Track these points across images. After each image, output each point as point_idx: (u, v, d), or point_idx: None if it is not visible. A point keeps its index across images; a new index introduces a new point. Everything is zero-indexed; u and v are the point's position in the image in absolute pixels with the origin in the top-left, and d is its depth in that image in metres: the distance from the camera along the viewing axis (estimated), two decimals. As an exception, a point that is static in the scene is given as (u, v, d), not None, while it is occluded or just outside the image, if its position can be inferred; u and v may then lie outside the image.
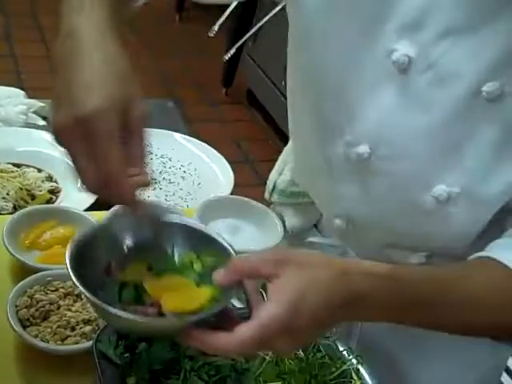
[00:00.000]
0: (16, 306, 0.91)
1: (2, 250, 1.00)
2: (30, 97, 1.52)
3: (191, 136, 1.53)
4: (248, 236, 1.15)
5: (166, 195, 1.37)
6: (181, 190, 1.40)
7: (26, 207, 1.24)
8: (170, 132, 1.51)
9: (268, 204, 1.17)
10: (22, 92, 1.52)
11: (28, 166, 1.34)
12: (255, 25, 3.09)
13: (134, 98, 0.69)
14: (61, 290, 0.94)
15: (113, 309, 0.66)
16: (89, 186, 0.68)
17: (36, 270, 0.97)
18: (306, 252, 0.76)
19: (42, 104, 1.50)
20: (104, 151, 0.66)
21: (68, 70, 0.69)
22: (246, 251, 1.08)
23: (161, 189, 1.39)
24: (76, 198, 1.27)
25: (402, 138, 0.83)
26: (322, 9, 0.82)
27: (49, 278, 0.95)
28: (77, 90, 0.67)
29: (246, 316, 0.67)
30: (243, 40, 3.13)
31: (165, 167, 1.45)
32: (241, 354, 0.73)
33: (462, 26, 0.76)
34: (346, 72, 0.83)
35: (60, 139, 0.69)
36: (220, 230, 1.14)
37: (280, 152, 1.20)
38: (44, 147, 1.38)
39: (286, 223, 1.12)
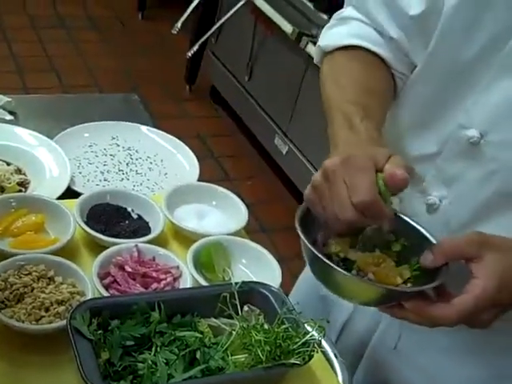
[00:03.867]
0: (-10, 290, 0.94)
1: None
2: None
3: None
4: (214, 220, 1.19)
5: (134, 185, 1.41)
6: (148, 180, 1.43)
7: (-5, 199, 1.28)
8: (136, 124, 1.55)
9: None
10: (-12, 88, 1.54)
11: (-4, 160, 1.37)
12: (217, 22, 3.14)
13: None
14: (34, 273, 0.98)
15: (344, 271, 0.78)
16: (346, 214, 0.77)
17: (9, 255, 1.00)
18: (501, 236, 0.81)
19: (9, 99, 1.53)
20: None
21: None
22: (212, 234, 1.13)
23: (128, 179, 1.42)
24: (44, 190, 1.30)
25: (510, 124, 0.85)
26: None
27: (21, 263, 0.99)
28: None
29: None
30: (206, 37, 3.17)
31: (132, 159, 1.49)
32: (456, 324, 0.78)
33: None
34: (479, 60, 0.87)
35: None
36: (186, 215, 1.19)
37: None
38: (11, 141, 1.41)
39: None
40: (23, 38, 3.68)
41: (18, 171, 1.36)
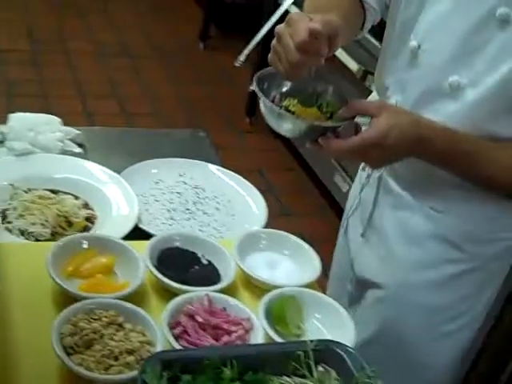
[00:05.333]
0: (60, 334, 0.91)
1: (46, 277, 1.00)
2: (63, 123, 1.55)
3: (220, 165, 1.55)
4: (286, 271, 1.15)
5: (201, 226, 1.38)
6: (215, 221, 1.40)
7: (63, 234, 1.26)
8: (204, 163, 1.53)
9: None
10: (58, 119, 1.54)
11: (65, 193, 1.36)
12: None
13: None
14: (103, 318, 0.95)
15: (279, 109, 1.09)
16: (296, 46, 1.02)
17: (79, 298, 0.97)
18: (398, 107, 1.17)
19: (78, 131, 1.52)
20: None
21: None
22: (284, 285, 1.09)
23: (195, 219, 1.40)
24: (111, 227, 1.28)
25: (439, 37, 1.13)
26: None
27: (92, 307, 0.96)
28: None
29: None
30: (248, 49, 3.14)
31: (199, 198, 1.46)
32: (347, 155, 1.11)
33: None
34: None
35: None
36: (257, 263, 1.15)
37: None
38: (80, 175, 1.40)
39: None
40: (87, 64, 3.73)
41: (86, 206, 1.35)
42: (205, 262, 1.14)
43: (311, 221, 2.93)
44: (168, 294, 1.04)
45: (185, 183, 1.50)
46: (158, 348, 0.93)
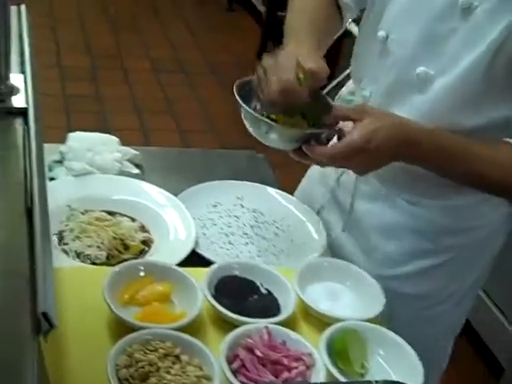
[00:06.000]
0: (116, 365, 0.89)
1: (101, 303, 0.98)
2: (122, 143, 1.53)
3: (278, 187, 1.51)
4: (348, 303, 1.11)
5: (259, 251, 1.34)
6: (273, 246, 1.36)
7: (119, 257, 1.24)
8: (262, 186, 1.49)
9: None
10: (117, 139, 1.52)
11: (122, 215, 1.33)
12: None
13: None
14: (160, 350, 0.92)
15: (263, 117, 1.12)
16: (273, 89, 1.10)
17: (136, 328, 0.94)
18: (380, 109, 1.15)
19: (136, 152, 1.50)
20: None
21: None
22: (347, 319, 1.04)
23: (253, 244, 1.36)
24: (168, 251, 1.25)
25: (405, 26, 1.15)
26: None
27: (148, 337, 0.93)
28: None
29: None
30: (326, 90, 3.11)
31: (257, 222, 1.42)
32: (331, 161, 1.10)
33: None
34: None
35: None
36: (318, 294, 1.11)
37: None
38: (138, 196, 1.38)
39: None
40: (144, 80, 3.75)
41: (142, 228, 1.32)
42: (264, 291, 1.10)
43: None
44: (226, 325, 1.01)
45: (243, 206, 1.46)
46: None
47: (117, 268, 1.05)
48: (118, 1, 4.53)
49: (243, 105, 1.13)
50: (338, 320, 1.04)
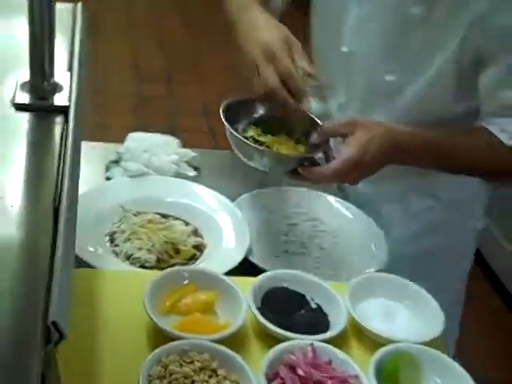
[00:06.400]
0: (149, 376, 0.85)
1: (142, 310, 0.94)
2: (183, 144, 1.50)
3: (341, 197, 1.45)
4: (404, 323, 1.03)
5: (316, 261, 1.28)
6: (331, 257, 1.30)
7: (169, 261, 1.20)
8: (323, 194, 1.43)
9: None
10: (176, 140, 1.49)
11: (175, 218, 1.30)
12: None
13: (290, 37, 1.11)
14: (196, 362, 0.87)
15: (254, 145, 1.10)
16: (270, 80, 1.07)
17: (174, 338, 0.90)
18: (367, 119, 1.15)
19: (194, 154, 1.47)
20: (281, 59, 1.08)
21: (251, 30, 1.16)
22: (401, 341, 0.96)
23: (310, 254, 1.30)
24: (219, 258, 1.21)
25: (366, 39, 1.21)
26: None
27: (185, 348, 0.89)
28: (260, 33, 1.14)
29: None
30: None
31: (315, 231, 1.36)
32: (331, 180, 1.16)
33: None
34: None
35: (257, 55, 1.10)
36: (372, 311, 1.04)
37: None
38: (192, 200, 1.34)
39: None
40: (217, 82, 3.74)
41: (195, 233, 1.28)
42: (313, 305, 1.03)
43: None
44: (270, 340, 0.95)
45: (301, 214, 1.41)
46: (253, 402, 0.84)
47: (160, 274, 1.01)
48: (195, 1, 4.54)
49: (228, 126, 1.09)
50: (391, 341, 0.96)
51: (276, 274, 1.07)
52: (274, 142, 1.14)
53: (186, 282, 1.01)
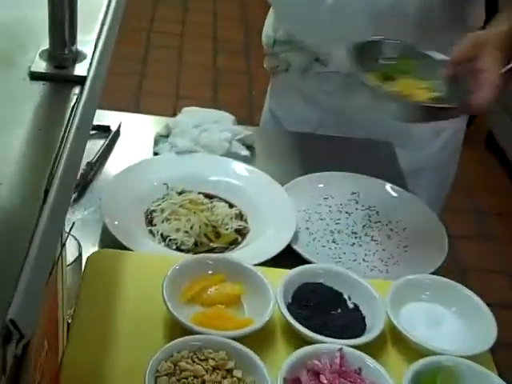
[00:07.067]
0: (157, 372, 0.78)
1: (160, 299, 0.88)
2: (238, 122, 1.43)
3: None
4: (451, 332, 0.92)
5: (365, 254, 1.18)
6: (383, 250, 1.20)
7: (208, 245, 1.14)
8: (381, 181, 1.33)
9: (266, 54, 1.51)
10: (232, 117, 1.42)
11: (220, 200, 1.23)
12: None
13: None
14: (210, 360, 0.80)
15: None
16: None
17: (190, 331, 0.84)
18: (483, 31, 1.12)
19: (249, 132, 1.39)
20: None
21: None
22: (444, 353, 0.87)
23: (360, 245, 1.20)
24: (263, 242, 1.14)
25: None
26: None
27: (200, 344, 0.82)
28: None
29: None
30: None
31: (370, 221, 1.26)
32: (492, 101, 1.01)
33: None
34: None
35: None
36: (415, 316, 0.94)
37: None
38: (241, 181, 1.26)
39: (292, 63, 1.46)
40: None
41: (240, 216, 1.21)
42: (350, 305, 0.94)
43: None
44: (297, 341, 0.87)
45: (357, 202, 1.31)
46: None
47: (184, 260, 0.94)
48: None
49: (361, 72, 1.06)
50: (433, 352, 0.86)
51: (312, 268, 0.98)
52: (405, 88, 1.08)
53: (210, 271, 0.94)
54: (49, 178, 0.62)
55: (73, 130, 0.68)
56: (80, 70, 0.79)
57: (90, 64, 0.79)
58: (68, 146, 0.66)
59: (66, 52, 0.80)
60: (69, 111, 0.73)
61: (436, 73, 1.07)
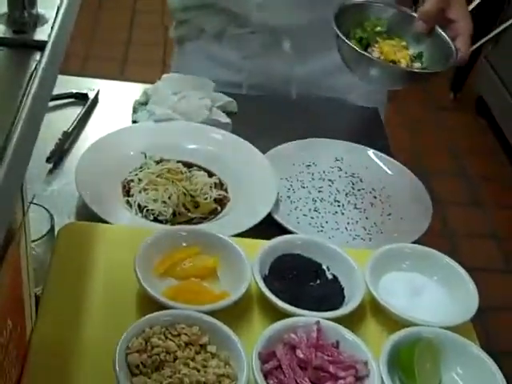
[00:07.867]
0: (127, 348, 0.76)
1: (133, 274, 0.85)
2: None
3: (387, 147, 1.31)
4: (431, 301, 0.90)
5: (348, 223, 1.16)
6: (366, 218, 1.17)
7: (186, 216, 1.11)
8: (365, 147, 1.30)
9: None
10: (213, 84, 1.38)
11: (200, 168, 1.20)
12: (499, 24, 2.74)
13: None
14: (183, 336, 0.78)
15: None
16: None
17: (163, 306, 0.81)
18: None
19: (230, 99, 1.35)
20: None
21: None
22: (424, 324, 0.84)
23: (343, 213, 1.18)
24: (243, 211, 1.11)
25: None
26: None
27: (172, 319, 0.79)
28: None
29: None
30: (483, 41, 2.78)
31: (353, 189, 1.23)
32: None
33: None
34: None
35: None
36: (396, 286, 0.92)
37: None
38: (221, 149, 1.23)
39: (207, 28, 1.42)
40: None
41: (220, 186, 1.18)
42: (329, 276, 0.92)
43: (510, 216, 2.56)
44: (274, 314, 0.85)
45: (340, 169, 1.28)
46: (241, 386, 0.74)
47: (157, 234, 0.91)
48: None
49: (342, 36, 1.04)
50: (413, 323, 0.84)
51: (290, 239, 0.95)
52: (386, 51, 1.08)
53: (184, 243, 0.91)
54: (2, 149, 0.59)
55: (29, 99, 0.64)
56: (41, 34, 0.75)
57: (52, 28, 0.76)
58: (24, 115, 0.63)
59: (26, 15, 0.76)
60: (27, 79, 0.69)
61: (413, 28, 1.10)
